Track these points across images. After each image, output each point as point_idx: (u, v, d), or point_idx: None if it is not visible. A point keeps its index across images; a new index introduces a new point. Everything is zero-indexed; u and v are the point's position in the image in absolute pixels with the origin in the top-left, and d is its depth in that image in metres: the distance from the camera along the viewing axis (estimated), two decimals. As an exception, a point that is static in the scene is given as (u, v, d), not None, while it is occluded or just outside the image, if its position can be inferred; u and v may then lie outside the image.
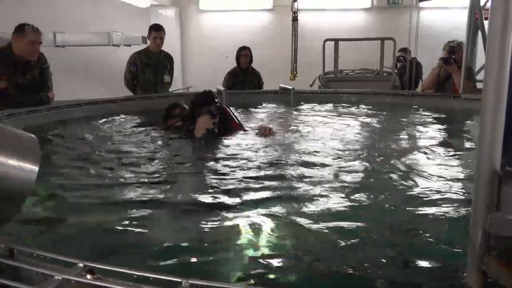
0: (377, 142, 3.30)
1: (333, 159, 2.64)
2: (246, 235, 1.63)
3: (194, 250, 1.50)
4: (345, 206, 1.87)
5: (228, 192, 2.06)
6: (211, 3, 9.79)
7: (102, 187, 2.19)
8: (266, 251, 1.50)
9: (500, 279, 0.87)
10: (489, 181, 0.88)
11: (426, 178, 2.25)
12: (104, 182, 2.28)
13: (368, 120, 4.11)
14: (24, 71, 3.76)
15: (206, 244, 1.55)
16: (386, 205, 1.92)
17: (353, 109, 4.77)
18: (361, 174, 2.35)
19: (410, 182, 2.20)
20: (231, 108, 3.47)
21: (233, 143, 3.05)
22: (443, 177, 2.25)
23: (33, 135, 1.09)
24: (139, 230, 1.66)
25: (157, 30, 5.18)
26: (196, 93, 3.39)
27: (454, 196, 1.98)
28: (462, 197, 1.97)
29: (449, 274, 1.33)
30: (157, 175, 2.37)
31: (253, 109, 4.80)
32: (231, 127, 3.28)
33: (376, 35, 6.88)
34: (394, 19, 8.94)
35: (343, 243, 1.54)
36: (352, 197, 1.97)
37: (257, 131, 3.31)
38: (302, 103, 5.03)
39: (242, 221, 1.73)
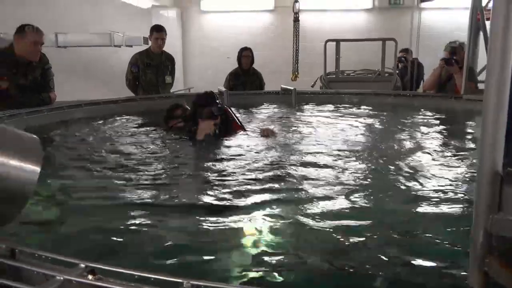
0: (378, 142, 3.30)
1: (334, 159, 2.64)
2: (246, 235, 1.63)
3: (194, 251, 1.50)
4: (345, 206, 1.87)
5: (229, 193, 2.05)
6: (213, 4, 9.80)
7: (103, 188, 2.19)
8: (266, 251, 1.50)
9: (502, 280, 0.87)
10: (491, 182, 0.88)
11: (427, 179, 2.24)
12: (105, 182, 2.28)
13: (369, 120, 4.11)
14: (26, 71, 3.76)
15: (206, 245, 1.55)
16: (387, 205, 1.92)
17: (354, 109, 4.77)
18: (362, 175, 2.35)
19: (411, 182, 2.20)
20: (232, 109, 3.47)
21: (234, 144, 3.05)
22: (444, 178, 2.25)
23: (35, 136, 1.08)
24: (139, 230, 1.67)
25: (158, 30, 5.19)
26: (197, 94, 3.39)
27: (455, 197, 1.98)
28: (463, 198, 1.96)
29: (450, 274, 1.33)
30: (158, 176, 2.37)
31: (255, 110, 4.80)
32: (232, 128, 3.28)
33: (377, 36, 6.88)
34: (396, 20, 8.93)
35: (343, 243, 1.54)
36: (352, 197, 1.97)
37: (259, 132, 3.31)
38: (304, 103, 5.03)
39: (243, 221, 1.73)
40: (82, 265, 0.96)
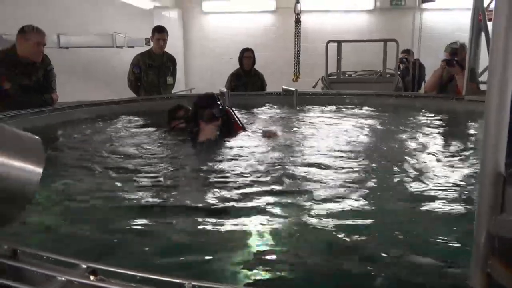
0: (379, 143, 3.29)
1: (335, 160, 2.64)
2: (247, 236, 1.62)
3: (195, 251, 1.50)
4: (345, 206, 1.87)
5: (230, 193, 2.06)
6: (214, 5, 9.81)
7: (104, 188, 2.20)
8: (266, 251, 1.50)
9: (505, 281, 0.86)
10: (493, 183, 0.87)
11: (428, 179, 2.24)
12: (106, 183, 2.28)
13: (370, 121, 4.10)
14: (29, 72, 3.76)
15: (207, 245, 1.55)
16: (387, 205, 1.92)
17: (355, 110, 4.77)
18: (362, 175, 2.34)
19: (412, 182, 2.20)
20: (234, 110, 3.47)
21: (235, 145, 3.05)
22: (446, 179, 2.24)
23: (36, 137, 1.08)
24: (140, 231, 1.67)
25: (160, 31, 5.19)
26: (198, 95, 3.40)
27: (456, 197, 1.97)
28: (464, 199, 1.96)
29: (450, 274, 1.33)
30: (159, 177, 2.37)
31: (256, 111, 4.80)
32: (233, 129, 3.28)
33: (379, 37, 6.89)
34: (397, 21, 8.93)
35: (343, 243, 1.54)
36: (353, 197, 1.97)
37: (261, 134, 3.32)
38: (305, 104, 5.03)
39: (243, 221, 1.73)
40: (84, 266, 0.96)
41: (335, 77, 6.14)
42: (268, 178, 2.28)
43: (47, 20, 4.71)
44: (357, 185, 2.16)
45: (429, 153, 2.82)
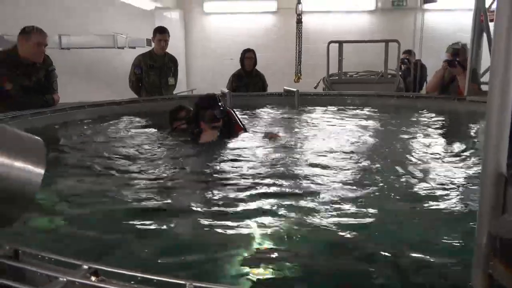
0: (380, 144, 3.29)
1: (336, 161, 2.64)
2: (247, 236, 1.62)
3: (196, 251, 1.50)
4: (346, 207, 1.87)
5: (230, 194, 2.06)
6: (215, 6, 9.80)
7: (105, 189, 2.20)
8: (267, 251, 1.50)
9: (506, 282, 0.86)
10: (495, 184, 0.87)
11: (430, 179, 2.24)
12: (108, 183, 2.29)
13: (371, 122, 4.10)
14: (30, 73, 3.77)
15: (208, 245, 1.55)
16: (387, 206, 1.92)
17: (357, 111, 4.76)
18: (363, 175, 2.35)
19: (413, 183, 2.20)
20: (235, 111, 3.47)
21: (236, 146, 3.05)
22: (447, 179, 2.24)
23: (38, 138, 1.08)
24: (141, 231, 1.67)
25: (161, 32, 5.19)
26: (200, 96, 3.40)
27: (457, 198, 1.97)
28: (466, 199, 1.96)
29: (450, 274, 1.33)
30: (160, 177, 2.37)
31: (257, 112, 4.81)
32: (235, 130, 3.28)
33: (380, 37, 6.88)
34: (399, 21, 8.93)
35: (343, 243, 1.54)
36: (353, 197, 1.97)
37: (263, 135, 3.32)
38: (306, 105, 5.03)
39: (244, 222, 1.73)
40: (85, 266, 0.96)
41: (337, 77, 6.14)
42: (269, 179, 2.28)
43: (48, 21, 4.71)
44: (358, 186, 2.16)
45: (430, 154, 2.82)
